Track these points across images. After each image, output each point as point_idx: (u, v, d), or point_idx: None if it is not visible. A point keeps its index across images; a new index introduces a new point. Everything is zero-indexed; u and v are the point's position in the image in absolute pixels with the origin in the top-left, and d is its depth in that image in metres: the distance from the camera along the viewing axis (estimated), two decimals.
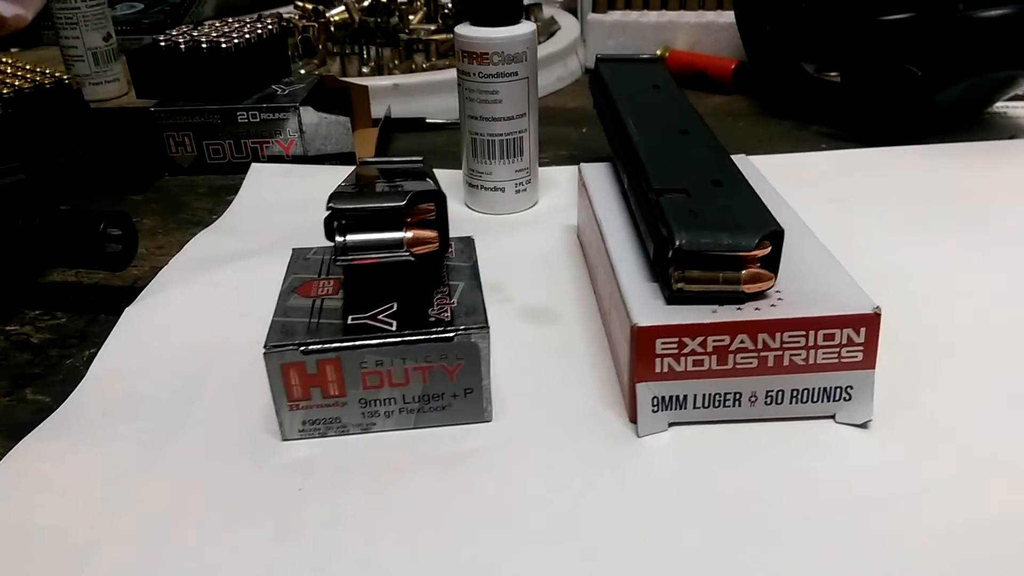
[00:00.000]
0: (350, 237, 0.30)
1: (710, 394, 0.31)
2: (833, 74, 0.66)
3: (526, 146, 0.49)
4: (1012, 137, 0.59)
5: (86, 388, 0.34)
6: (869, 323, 0.30)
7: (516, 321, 0.39)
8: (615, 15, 0.79)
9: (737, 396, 0.31)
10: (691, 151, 0.38)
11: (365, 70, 0.72)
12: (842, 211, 0.49)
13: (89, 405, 0.33)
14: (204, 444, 0.31)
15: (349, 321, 0.31)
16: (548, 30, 0.80)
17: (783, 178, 0.53)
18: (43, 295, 0.43)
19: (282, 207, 0.51)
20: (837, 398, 0.31)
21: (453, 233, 0.49)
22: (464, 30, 0.46)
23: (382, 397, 0.31)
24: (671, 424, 0.31)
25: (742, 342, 0.30)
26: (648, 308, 0.31)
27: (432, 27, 0.78)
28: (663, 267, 0.31)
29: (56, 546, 0.27)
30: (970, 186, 0.51)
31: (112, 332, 0.38)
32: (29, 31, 0.98)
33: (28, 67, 0.70)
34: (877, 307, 0.30)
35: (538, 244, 0.47)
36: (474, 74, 0.47)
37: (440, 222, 0.31)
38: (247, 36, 0.59)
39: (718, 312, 0.30)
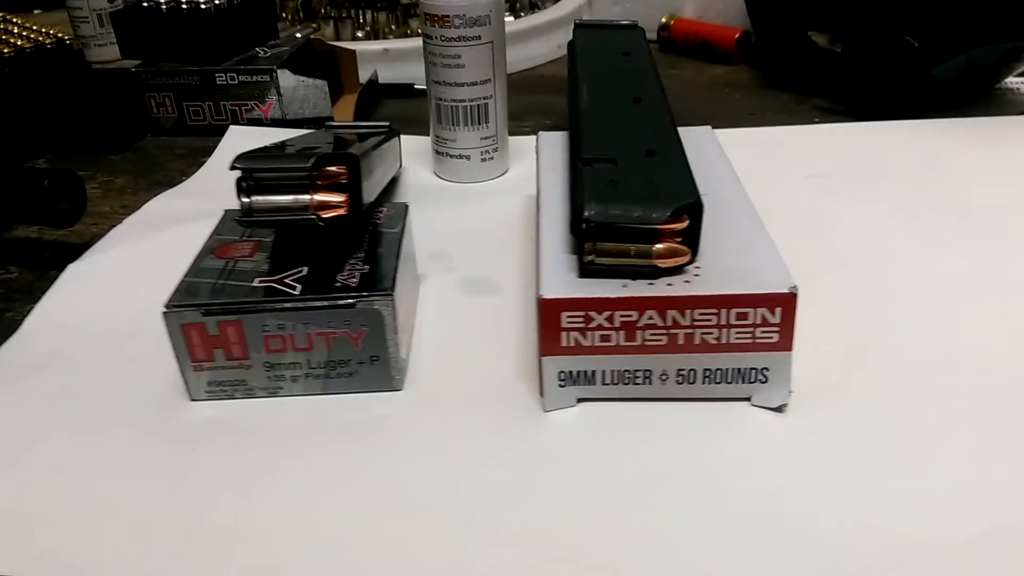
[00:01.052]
0: (255, 198, 0.30)
1: (619, 370, 0.30)
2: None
3: (492, 113, 0.48)
4: (1022, 114, 0.56)
5: (14, 342, 0.35)
6: (785, 303, 0.28)
7: (454, 291, 0.38)
8: None
9: (647, 374, 0.30)
10: (636, 120, 0.37)
11: (360, 34, 0.72)
12: (818, 186, 0.47)
13: (13, 359, 0.34)
14: (116, 401, 0.32)
15: (255, 283, 0.30)
16: None
17: (763, 151, 0.51)
18: (1, 249, 0.44)
19: None
20: (753, 380, 0.30)
21: (418, 199, 0.48)
22: None
23: (287, 361, 0.30)
24: (580, 400, 0.31)
25: (650, 318, 0.29)
26: (559, 280, 0.30)
27: None
28: (578, 239, 0.30)
29: None
30: (959, 164, 0.48)
31: (51, 288, 0.38)
32: None
33: (34, 27, 0.71)
34: (794, 286, 0.28)
35: (497, 214, 0.46)
36: (436, 37, 0.46)
37: (353, 186, 0.31)
38: None
39: (628, 287, 0.29)
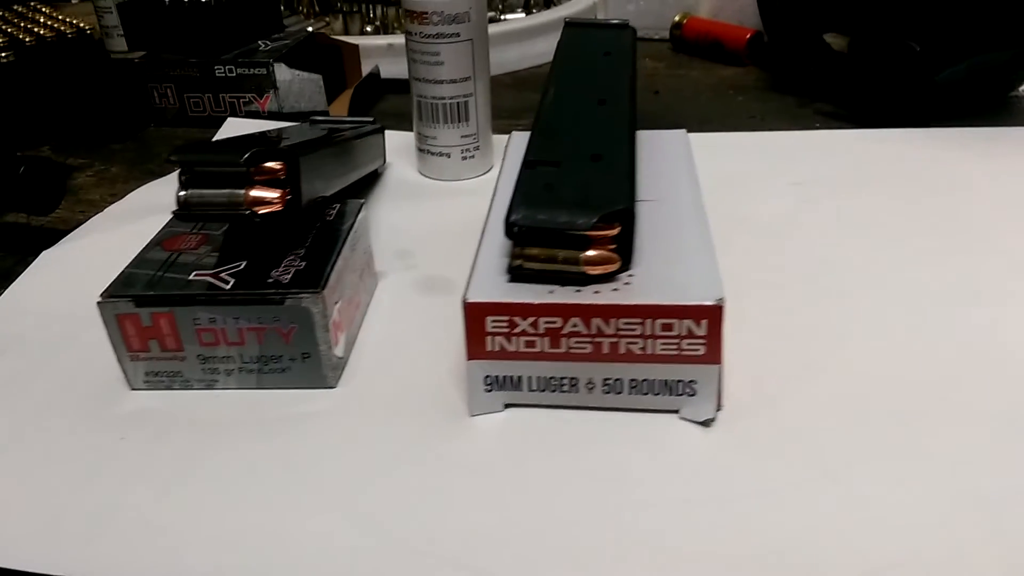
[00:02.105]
0: (191, 192, 0.30)
1: (545, 377, 0.29)
2: None
3: (472, 111, 0.48)
4: None
5: None
6: (711, 315, 0.27)
7: (410, 289, 0.38)
8: None
9: (573, 381, 0.29)
10: (594, 123, 0.36)
11: (368, 29, 0.72)
12: (799, 195, 0.45)
13: None
14: (61, 387, 0.32)
15: (191, 277, 0.31)
16: None
17: (749, 157, 0.50)
18: None
19: None
20: (680, 392, 0.29)
21: (395, 196, 0.49)
22: None
23: (220, 355, 0.31)
24: (508, 405, 0.30)
25: (575, 326, 0.28)
26: (487, 284, 0.29)
27: None
28: (511, 243, 0.30)
29: None
30: (948, 175, 0.46)
31: (23, 273, 0.40)
32: None
33: (59, 17, 0.73)
34: (721, 298, 0.27)
35: (471, 213, 0.45)
36: (416, 34, 0.46)
37: (291, 182, 0.31)
38: None
39: (555, 293, 0.29)
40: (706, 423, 0.29)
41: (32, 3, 0.76)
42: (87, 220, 0.46)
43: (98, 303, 0.30)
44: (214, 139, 0.55)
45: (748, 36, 0.68)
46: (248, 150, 0.30)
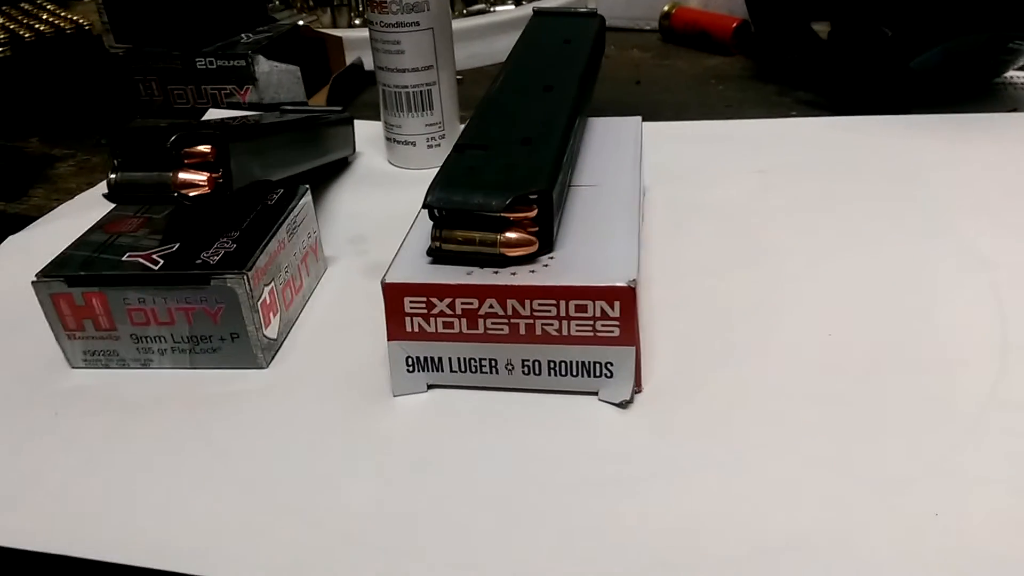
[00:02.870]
0: (121, 174, 0.31)
1: (465, 358, 0.30)
2: None
3: (436, 100, 0.48)
4: (1013, 110, 0.52)
5: None
6: (623, 296, 0.27)
7: (358, 274, 0.39)
8: None
9: (493, 363, 0.30)
10: (534, 109, 0.36)
11: (357, 21, 0.73)
12: (760, 182, 0.45)
13: None
14: (6, 364, 0.33)
15: (124, 258, 0.31)
16: None
17: (718, 145, 0.50)
18: None
19: None
20: (598, 374, 0.29)
21: (360, 184, 0.49)
22: None
23: (151, 334, 0.31)
24: (431, 386, 0.31)
25: (491, 307, 0.28)
26: (408, 265, 0.30)
27: None
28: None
29: None
30: (912, 163, 0.45)
31: None
32: None
33: (60, 13, 0.75)
34: (632, 280, 0.27)
35: None
36: (376, 23, 0.46)
37: (222, 165, 0.31)
38: None
39: (472, 274, 0.29)
40: (623, 405, 0.29)
41: (39, 1, 0.78)
42: (57, 207, 0.47)
43: (32, 283, 0.31)
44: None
45: (734, 25, 0.68)
46: (173, 133, 0.30)
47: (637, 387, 0.29)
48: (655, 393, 0.29)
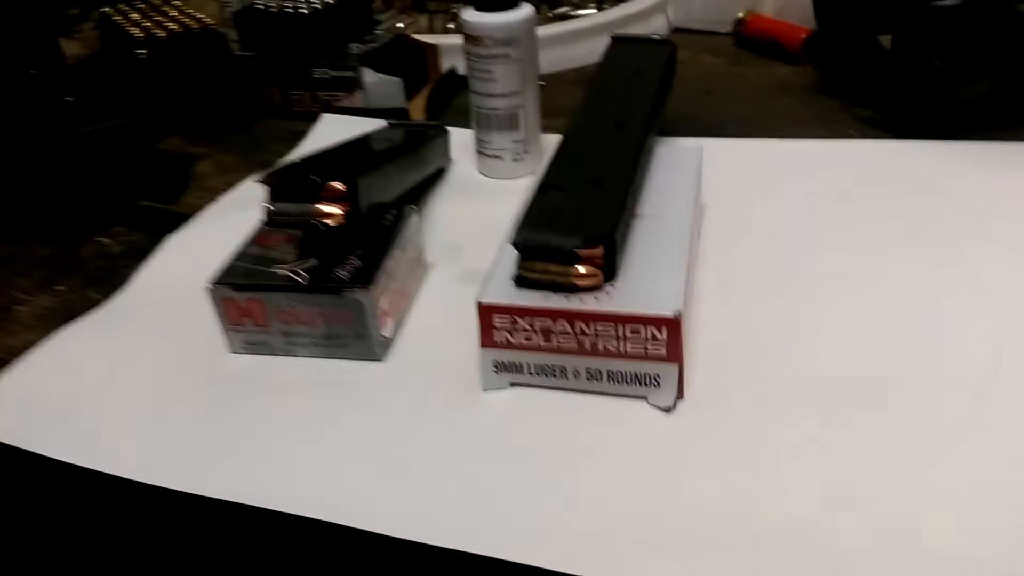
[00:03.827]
0: (277, 205, 0.39)
1: (540, 365, 0.37)
2: None
3: (522, 121, 0.55)
4: None
5: (121, 294, 0.47)
6: (670, 325, 0.34)
7: (452, 280, 0.47)
8: None
9: (563, 370, 0.37)
10: (607, 148, 0.43)
11: (451, 27, 0.79)
12: (810, 205, 0.50)
13: (117, 308, 0.46)
14: (175, 345, 0.42)
15: (276, 270, 0.40)
16: None
17: (770, 165, 0.55)
18: (132, 217, 0.56)
19: None
20: (648, 383, 0.36)
21: (454, 193, 0.56)
22: (466, 14, 0.52)
23: (296, 331, 0.40)
24: (513, 384, 0.38)
25: (563, 327, 0.36)
26: (500, 288, 0.37)
27: None
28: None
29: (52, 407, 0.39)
30: (964, 190, 0.50)
31: (152, 253, 0.50)
32: None
33: (187, 11, 0.84)
34: (678, 312, 0.34)
35: (515, 211, 0.53)
36: (473, 54, 0.53)
37: (351, 199, 0.39)
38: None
39: (550, 299, 0.36)
40: (667, 409, 0.36)
41: None
42: (204, 207, 0.56)
43: (207, 288, 0.39)
44: (308, 135, 0.65)
45: (804, 36, 0.71)
46: (318, 173, 0.38)
47: (680, 395, 0.36)
48: (695, 400, 0.36)
